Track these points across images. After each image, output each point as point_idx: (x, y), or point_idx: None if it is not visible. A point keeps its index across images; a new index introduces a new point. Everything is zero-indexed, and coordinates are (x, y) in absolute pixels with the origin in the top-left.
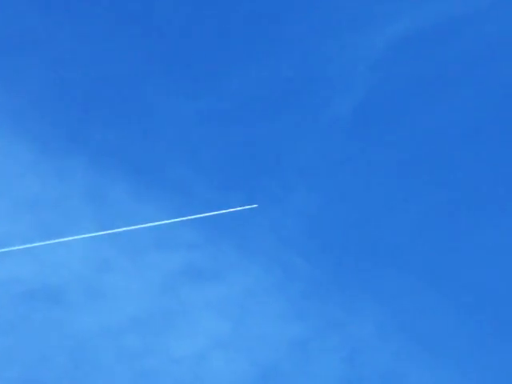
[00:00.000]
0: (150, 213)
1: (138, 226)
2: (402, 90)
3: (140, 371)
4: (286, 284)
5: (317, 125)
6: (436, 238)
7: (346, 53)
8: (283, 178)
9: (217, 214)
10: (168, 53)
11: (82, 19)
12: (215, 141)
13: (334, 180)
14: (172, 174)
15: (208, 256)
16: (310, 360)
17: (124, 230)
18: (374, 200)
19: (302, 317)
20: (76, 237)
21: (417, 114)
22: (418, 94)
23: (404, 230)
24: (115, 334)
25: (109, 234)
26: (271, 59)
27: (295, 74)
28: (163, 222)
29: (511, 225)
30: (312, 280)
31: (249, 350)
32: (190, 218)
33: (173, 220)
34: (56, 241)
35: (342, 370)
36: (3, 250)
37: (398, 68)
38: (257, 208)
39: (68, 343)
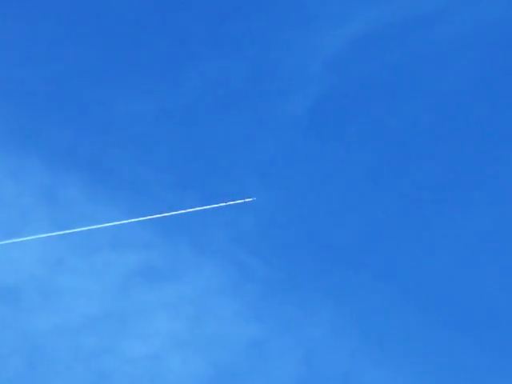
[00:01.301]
0: (105, 212)
1: (94, 227)
2: (357, 89)
3: (96, 371)
4: (241, 284)
5: (272, 124)
6: (391, 238)
7: (301, 52)
8: (239, 177)
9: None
10: (123, 50)
11: (34, 16)
12: (171, 139)
13: (289, 179)
14: (127, 173)
15: (164, 256)
16: (267, 360)
17: (79, 230)
18: (330, 199)
19: (258, 317)
20: (31, 237)
21: (371, 113)
22: (373, 94)
23: (359, 229)
24: (71, 334)
25: (64, 233)
26: (227, 58)
27: (251, 73)
28: (118, 223)
29: (466, 224)
30: (268, 280)
31: (205, 350)
32: (149, 217)
33: (128, 220)
34: (10, 241)
35: (299, 370)
36: None
37: (353, 67)
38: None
39: (23, 343)
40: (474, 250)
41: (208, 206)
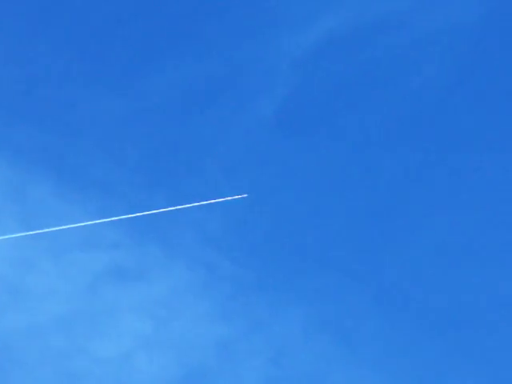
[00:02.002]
0: (74, 212)
1: (63, 227)
2: (325, 89)
3: (64, 372)
4: (210, 284)
5: (240, 123)
6: (361, 238)
7: (269, 52)
8: (207, 177)
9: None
10: (91, 49)
11: (1, 16)
12: (140, 139)
13: (257, 179)
14: (97, 173)
15: (133, 256)
16: (236, 361)
17: (48, 230)
18: (298, 200)
19: (227, 317)
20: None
21: (340, 114)
22: (341, 94)
23: (329, 229)
24: (39, 335)
25: (33, 234)
26: (194, 58)
27: (218, 73)
28: (88, 223)
29: (439, 225)
30: (237, 280)
31: (174, 350)
32: (118, 218)
33: (98, 221)
34: None
35: (268, 370)
36: None
37: (321, 67)
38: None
39: None
40: (447, 252)
41: (238, 196)
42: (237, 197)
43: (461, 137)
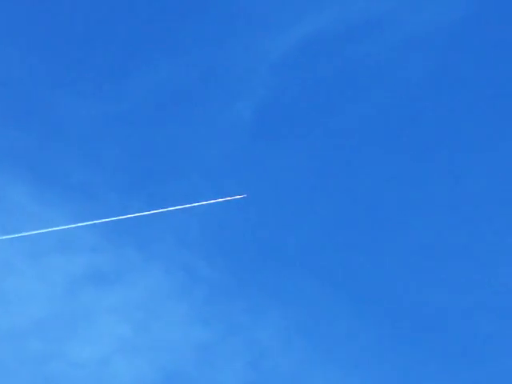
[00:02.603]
0: (52, 216)
1: (41, 231)
2: (304, 91)
3: (42, 375)
4: (189, 288)
5: (219, 126)
6: (338, 243)
7: (248, 55)
8: (186, 180)
9: (120, 219)
10: (70, 54)
11: None
12: (118, 143)
13: (236, 181)
14: (74, 177)
15: (111, 259)
16: (214, 364)
17: (26, 234)
18: (277, 202)
19: (205, 321)
20: None
21: (318, 116)
22: (320, 96)
23: (307, 232)
24: (18, 338)
25: (11, 237)
26: (173, 61)
27: (197, 76)
28: (66, 227)
29: (413, 230)
30: (215, 284)
31: (152, 353)
32: (96, 222)
33: (76, 225)
34: None
35: (246, 374)
36: None
37: (300, 70)
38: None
39: None
40: (424, 255)
41: (237, 197)
42: (237, 197)
43: (445, 138)
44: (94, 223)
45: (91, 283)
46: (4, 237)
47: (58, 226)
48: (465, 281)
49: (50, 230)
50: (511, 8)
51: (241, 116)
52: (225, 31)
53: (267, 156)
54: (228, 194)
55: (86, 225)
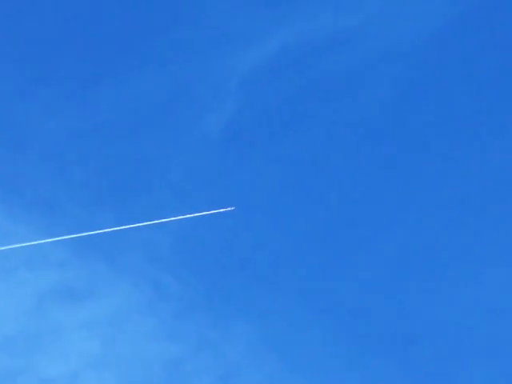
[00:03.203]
0: (19, 231)
1: (8, 247)
2: (273, 106)
3: None
4: (158, 303)
5: (188, 141)
6: (308, 257)
7: (217, 70)
8: (155, 195)
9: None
10: (36, 67)
11: None
12: (86, 158)
13: (204, 197)
14: (43, 192)
15: (79, 275)
16: (184, 379)
17: None
18: (245, 218)
19: (174, 336)
20: None
21: (287, 131)
22: (289, 111)
23: (275, 249)
24: None
25: None
26: (141, 76)
27: (165, 91)
28: (34, 243)
29: (381, 243)
30: (184, 299)
31: (121, 369)
32: (65, 237)
33: (44, 240)
34: None
35: None
36: None
37: (269, 85)
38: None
39: None
40: (392, 270)
41: (224, 209)
42: (223, 210)
43: (417, 153)
44: (63, 239)
45: (60, 299)
46: None
47: (25, 241)
48: (439, 292)
49: (18, 245)
50: (483, 21)
51: (210, 130)
52: (193, 46)
53: (236, 170)
54: (197, 210)
55: (55, 240)
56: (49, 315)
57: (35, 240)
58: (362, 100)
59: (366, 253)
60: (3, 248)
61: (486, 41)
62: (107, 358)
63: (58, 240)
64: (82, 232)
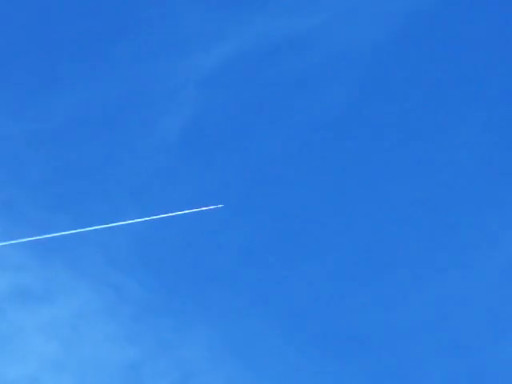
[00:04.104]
0: None
1: None
2: (231, 109)
3: None
4: (117, 306)
5: (145, 145)
6: (266, 260)
7: (175, 73)
8: (113, 199)
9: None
10: None
11: None
12: (43, 161)
13: (162, 201)
14: None
15: (38, 278)
16: (143, 382)
17: None
18: (205, 222)
19: (133, 339)
20: None
21: (246, 134)
22: (247, 113)
23: (235, 251)
24: None
25: None
26: (98, 79)
27: (122, 94)
28: None
29: (341, 246)
30: (143, 302)
31: (80, 372)
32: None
33: (1, 243)
34: None
35: None
36: None
37: (227, 87)
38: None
39: None
40: (353, 273)
41: (213, 207)
42: (212, 207)
43: (372, 154)
44: (21, 241)
45: (18, 302)
46: None
47: None
48: (397, 297)
49: None
50: (439, 24)
51: (167, 134)
52: (150, 48)
53: (194, 173)
54: (155, 212)
55: (12, 243)
56: (7, 318)
57: None
58: (322, 101)
59: (322, 255)
60: None
61: (447, 40)
62: (66, 361)
63: (16, 243)
64: (40, 235)
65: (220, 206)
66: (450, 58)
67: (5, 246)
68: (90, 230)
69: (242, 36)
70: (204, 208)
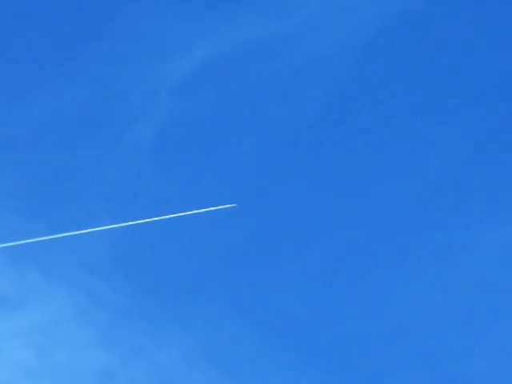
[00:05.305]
0: None
1: None
2: (204, 114)
3: None
4: (91, 312)
5: (119, 151)
6: (241, 267)
7: (148, 79)
8: (86, 205)
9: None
10: None
11: None
12: (16, 167)
13: (135, 207)
14: None
15: (12, 284)
16: None
17: None
18: (176, 228)
19: (107, 345)
20: None
21: (220, 140)
22: (221, 119)
23: (209, 257)
24: None
25: None
26: (71, 84)
27: (95, 100)
28: None
29: (317, 251)
30: (118, 308)
31: (54, 378)
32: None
33: None
34: None
35: None
36: None
37: (200, 93)
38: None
39: None
40: (329, 278)
41: (227, 206)
42: (226, 206)
43: (347, 159)
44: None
45: None
46: None
47: None
48: (375, 303)
49: None
50: (419, 26)
51: (141, 139)
52: (122, 54)
53: (168, 179)
54: (130, 218)
55: None
56: None
57: None
58: (296, 106)
59: (299, 260)
60: None
61: (426, 42)
62: (40, 367)
63: None
64: (13, 241)
65: (195, 211)
66: (431, 60)
67: None
68: (65, 236)
69: (215, 41)
70: (180, 214)
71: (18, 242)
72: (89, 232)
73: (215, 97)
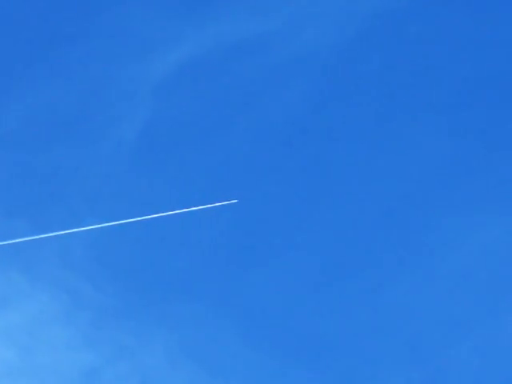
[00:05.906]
0: None
1: None
2: (187, 112)
3: None
4: (74, 311)
5: (100, 150)
6: (224, 266)
7: (129, 77)
8: (69, 205)
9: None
10: None
11: None
12: None
13: (118, 207)
14: None
15: None
16: None
17: None
18: (160, 227)
19: (91, 344)
20: None
21: (202, 138)
22: (204, 117)
23: (194, 257)
24: None
25: None
26: (53, 83)
27: (77, 99)
28: None
29: (301, 248)
30: (101, 307)
31: (37, 378)
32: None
33: None
34: None
35: None
36: None
37: (182, 92)
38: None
39: None
40: (313, 277)
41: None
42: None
43: (333, 156)
44: None
45: None
46: None
47: None
48: (357, 301)
49: None
50: (398, 26)
51: (123, 138)
52: (103, 53)
53: (150, 178)
54: (112, 218)
55: None
56: None
57: None
58: (280, 104)
59: (281, 259)
60: None
61: (406, 42)
62: (24, 367)
63: None
64: None
65: (177, 211)
66: (418, 57)
67: None
68: (47, 237)
69: (198, 40)
70: (163, 214)
71: (0, 243)
72: (72, 232)
73: (198, 95)
